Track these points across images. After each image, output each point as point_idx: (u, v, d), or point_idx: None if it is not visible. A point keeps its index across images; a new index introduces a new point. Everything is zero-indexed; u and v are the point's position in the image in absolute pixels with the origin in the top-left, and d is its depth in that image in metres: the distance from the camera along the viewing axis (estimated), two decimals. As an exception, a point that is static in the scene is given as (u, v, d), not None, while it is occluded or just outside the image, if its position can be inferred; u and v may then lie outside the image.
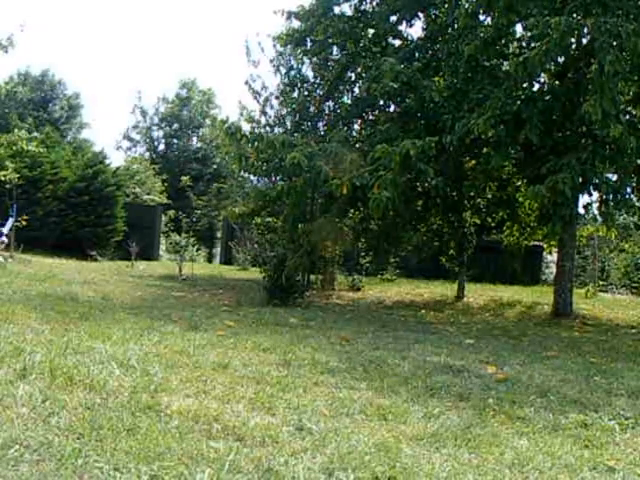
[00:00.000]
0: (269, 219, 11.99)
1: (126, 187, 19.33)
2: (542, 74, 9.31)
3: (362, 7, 10.63)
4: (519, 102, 8.48)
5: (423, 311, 9.22)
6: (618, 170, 8.57)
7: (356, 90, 11.19)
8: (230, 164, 19.10)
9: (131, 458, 2.04)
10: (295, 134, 11.20)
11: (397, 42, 10.57)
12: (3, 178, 12.19)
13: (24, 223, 12.11)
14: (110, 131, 71.74)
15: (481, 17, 9.19)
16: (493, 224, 11.83)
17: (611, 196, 8.64)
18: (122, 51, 62.13)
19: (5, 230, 11.91)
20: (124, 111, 63.37)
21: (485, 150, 9.49)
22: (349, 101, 11.20)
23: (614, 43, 7.29)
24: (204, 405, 2.71)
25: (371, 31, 10.62)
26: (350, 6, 10.74)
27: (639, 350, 6.46)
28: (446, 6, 9.74)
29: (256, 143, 9.29)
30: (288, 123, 12.15)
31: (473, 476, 2.26)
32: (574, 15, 7.78)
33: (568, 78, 9.03)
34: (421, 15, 10.34)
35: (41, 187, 15.79)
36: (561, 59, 9.15)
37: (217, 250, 24.34)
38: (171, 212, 16.51)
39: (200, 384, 3.07)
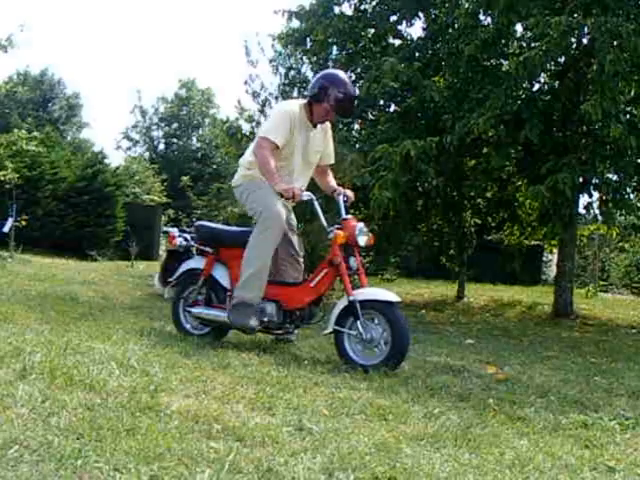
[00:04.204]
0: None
1: (126, 187, 19.33)
2: (542, 74, 9.31)
3: (362, 7, 10.63)
4: (519, 102, 8.48)
5: (423, 311, 9.21)
6: (618, 170, 8.58)
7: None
8: (230, 164, 19.07)
9: (131, 458, 2.04)
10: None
11: (397, 42, 10.55)
12: (3, 178, 12.19)
13: (24, 223, 12.10)
14: (110, 131, 71.79)
15: (481, 17, 9.18)
16: (493, 224, 11.82)
17: (611, 196, 8.65)
18: (122, 51, 62.15)
19: (5, 230, 11.91)
20: (124, 111, 63.45)
21: (485, 150, 9.50)
22: (349, 101, 11.17)
23: (614, 43, 7.30)
24: (204, 405, 2.70)
25: (371, 31, 10.61)
26: (350, 6, 10.73)
27: None
28: (446, 6, 9.73)
29: (256, 143, 9.27)
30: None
31: (473, 476, 2.26)
32: (574, 15, 7.78)
33: (568, 78, 9.02)
34: (421, 15, 10.33)
35: (41, 187, 15.79)
36: (561, 59, 9.15)
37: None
38: (171, 212, 16.49)
39: (200, 384, 3.06)
